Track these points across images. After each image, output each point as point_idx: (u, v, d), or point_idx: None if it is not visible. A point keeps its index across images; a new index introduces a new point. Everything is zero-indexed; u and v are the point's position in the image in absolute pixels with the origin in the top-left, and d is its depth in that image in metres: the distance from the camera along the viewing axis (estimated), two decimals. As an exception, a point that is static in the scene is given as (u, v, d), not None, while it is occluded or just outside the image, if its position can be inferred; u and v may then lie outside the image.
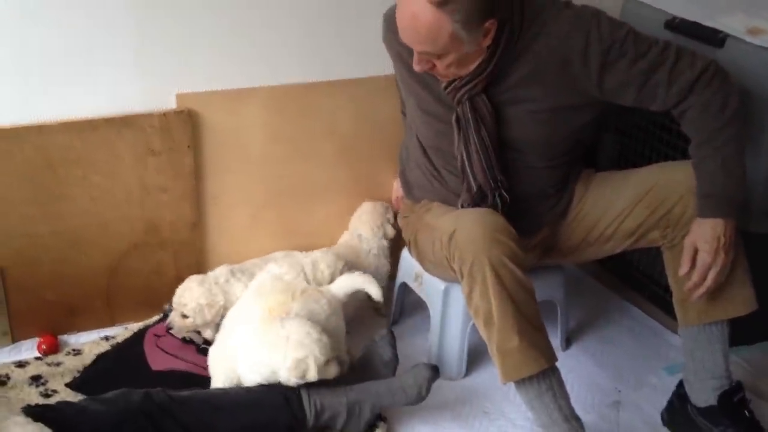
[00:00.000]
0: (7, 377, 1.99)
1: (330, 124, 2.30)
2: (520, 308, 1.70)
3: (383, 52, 2.03)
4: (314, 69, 2.24)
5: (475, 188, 1.87)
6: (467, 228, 1.74)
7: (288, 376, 1.78)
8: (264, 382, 1.82)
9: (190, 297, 2.06)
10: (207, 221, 2.26)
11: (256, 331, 1.84)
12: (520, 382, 1.75)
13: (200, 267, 2.28)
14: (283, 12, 2.14)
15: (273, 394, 1.80)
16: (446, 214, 1.91)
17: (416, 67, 1.75)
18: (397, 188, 2.28)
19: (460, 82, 1.78)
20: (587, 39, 1.72)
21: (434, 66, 1.74)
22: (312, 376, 1.78)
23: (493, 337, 1.72)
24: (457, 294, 2.01)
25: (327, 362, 1.80)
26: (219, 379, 1.88)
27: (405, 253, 2.23)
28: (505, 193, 1.87)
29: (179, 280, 2.24)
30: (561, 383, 1.77)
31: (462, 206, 1.91)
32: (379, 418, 1.89)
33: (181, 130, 2.11)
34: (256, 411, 1.76)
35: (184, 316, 2.06)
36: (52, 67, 1.97)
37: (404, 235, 2.16)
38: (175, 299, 2.09)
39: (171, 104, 2.11)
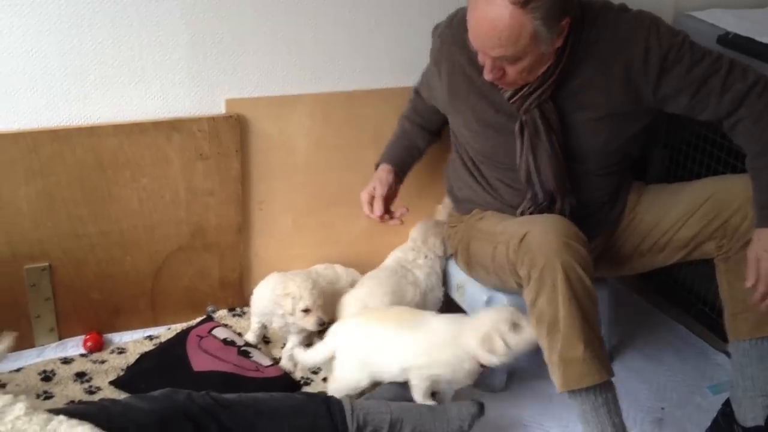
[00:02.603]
0: (53, 373, 2.03)
1: (374, 133, 2.30)
2: (587, 317, 1.67)
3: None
4: (360, 77, 2.25)
5: (541, 197, 1.86)
6: (540, 232, 1.71)
7: (481, 354, 1.79)
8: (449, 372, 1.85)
9: (303, 287, 2.05)
10: (252, 226, 2.28)
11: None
12: (577, 393, 1.71)
13: (244, 270, 2.30)
14: (330, 21, 2.15)
15: (316, 402, 1.79)
16: (508, 220, 1.90)
17: (487, 76, 1.72)
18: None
19: (528, 89, 1.76)
20: (647, 43, 1.72)
21: (504, 74, 1.72)
22: (500, 348, 1.78)
23: (556, 344, 1.69)
24: (500, 305, 2.00)
25: (514, 325, 1.80)
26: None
27: (450, 263, 2.23)
28: (573, 199, 1.87)
29: (223, 282, 2.28)
30: (616, 399, 1.73)
31: (521, 214, 1.90)
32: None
33: (230, 135, 2.14)
34: (299, 418, 1.75)
35: (306, 311, 2.04)
36: (104, 70, 2.01)
37: (452, 244, 2.15)
38: (289, 302, 2.05)
39: (220, 109, 2.14)
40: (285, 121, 2.21)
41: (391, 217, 2.00)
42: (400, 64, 2.27)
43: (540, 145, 1.81)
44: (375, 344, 1.89)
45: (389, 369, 1.88)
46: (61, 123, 2.02)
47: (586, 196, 1.91)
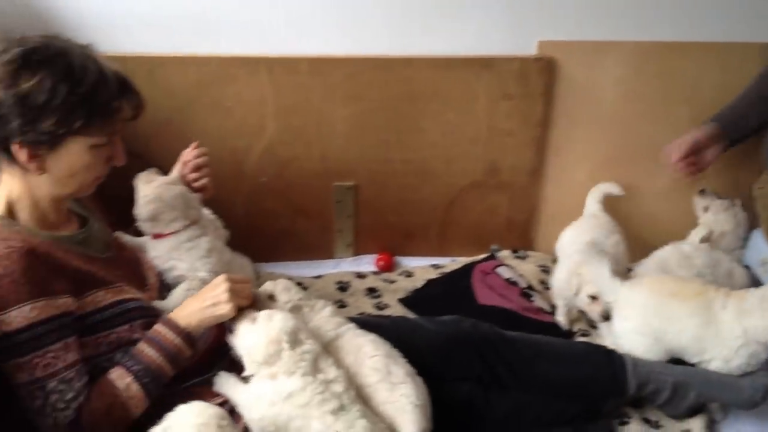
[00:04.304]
0: (348, 285, 2.20)
1: (690, 88, 2.16)
2: None
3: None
4: (682, 27, 2.11)
5: None
6: None
7: None
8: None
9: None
10: (546, 170, 2.27)
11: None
12: None
13: (532, 214, 2.31)
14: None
15: (597, 353, 1.77)
16: None
17: None
18: None
19: None
20: None
21: None
22: None
23: None
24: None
25: None
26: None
27: (754, 235, 2.06)
28: None
29: (509, 223, 2.31)
30: None
31: None
32: (702, 408, 1.76)
33: (537, 78, 2.12)
34: (579, 366, 1.75)
35: (593, 298, 1.95)
36: (426, 5, 2.07)
37: (759, 206, 2.00)
38: None
39: (531, 50, 2.12)
40: (595, 67, 2.15)
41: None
42: (727, 15, 2.09)
43: None
44: (665, 320, 1.77)
45: (676, 346, 1.78)
46: (381, 52, 2.12)
47: None
